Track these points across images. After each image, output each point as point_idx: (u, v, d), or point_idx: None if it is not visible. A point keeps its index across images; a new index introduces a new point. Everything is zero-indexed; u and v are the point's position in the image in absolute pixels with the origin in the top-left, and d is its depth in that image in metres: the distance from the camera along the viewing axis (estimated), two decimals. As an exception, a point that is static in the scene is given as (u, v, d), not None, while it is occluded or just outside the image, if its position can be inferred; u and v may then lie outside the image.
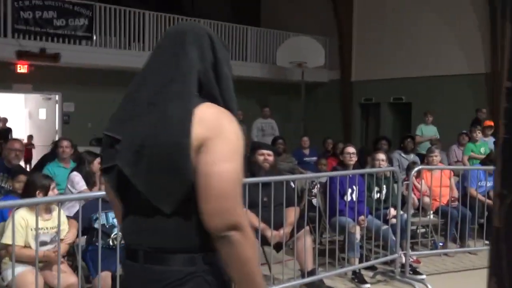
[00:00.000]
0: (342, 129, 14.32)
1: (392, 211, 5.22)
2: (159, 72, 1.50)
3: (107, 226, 4.02)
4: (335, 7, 14.15)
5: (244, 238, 1.36)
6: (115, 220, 3.82)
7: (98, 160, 4.85)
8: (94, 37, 11.29)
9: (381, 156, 5.53)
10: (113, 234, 3.99)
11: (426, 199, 5.87)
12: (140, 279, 1.48)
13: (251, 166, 4.55)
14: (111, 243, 3.97)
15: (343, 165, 5.36)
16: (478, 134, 8.06)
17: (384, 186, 5.33)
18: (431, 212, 5.86)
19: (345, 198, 5.04)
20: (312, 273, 4.43)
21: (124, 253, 1.56)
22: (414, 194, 5.62)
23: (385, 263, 5.19)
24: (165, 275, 1.43)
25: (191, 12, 13.73)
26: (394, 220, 5.07)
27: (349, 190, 5.11)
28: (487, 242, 5.94)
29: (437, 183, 5.99)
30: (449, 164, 8.20)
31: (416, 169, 5.35)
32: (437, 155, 6.14)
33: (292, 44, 13.12)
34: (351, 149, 5.34)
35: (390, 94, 13.82)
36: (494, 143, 8.10)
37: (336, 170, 5.49)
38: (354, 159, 5.33)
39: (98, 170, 4.41)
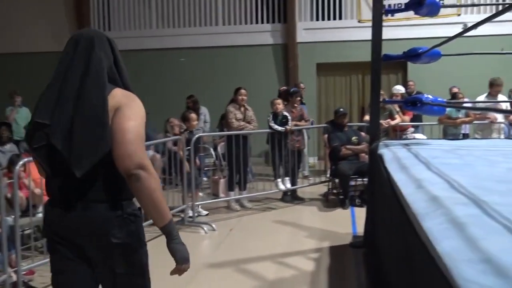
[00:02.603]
0: None
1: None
2: (78, 70, 1.94)
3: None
4: None
5: (148, 174, 1.83)
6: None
7: None
8: None
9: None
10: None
11: (37, 190, 4.65)
12: (74, 224, 1.90)
13: None
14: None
15: None
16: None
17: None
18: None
19: None
20: None
21: (52, 204, 1.96)
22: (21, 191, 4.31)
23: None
24: (96, 219, 1.89)
25: None
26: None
27: None
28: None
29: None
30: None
31: (21, 162, 4.07)
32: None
33: None
34: None
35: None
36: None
37: None
38: None
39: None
